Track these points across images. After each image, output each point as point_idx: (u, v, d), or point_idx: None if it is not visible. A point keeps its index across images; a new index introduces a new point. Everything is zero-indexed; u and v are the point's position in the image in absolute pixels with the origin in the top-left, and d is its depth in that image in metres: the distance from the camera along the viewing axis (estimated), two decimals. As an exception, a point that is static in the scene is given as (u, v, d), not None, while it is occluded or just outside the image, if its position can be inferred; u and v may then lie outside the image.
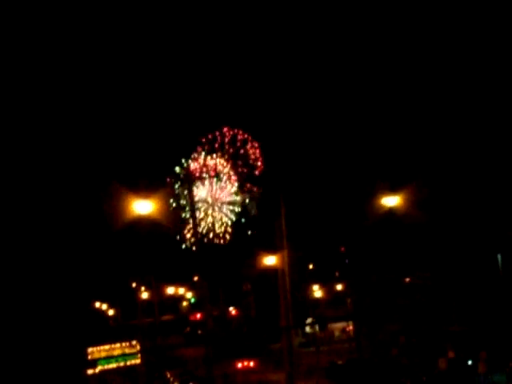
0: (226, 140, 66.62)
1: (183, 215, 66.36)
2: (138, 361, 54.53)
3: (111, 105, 55.91)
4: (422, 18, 48.52)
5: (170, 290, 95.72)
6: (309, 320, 71.91)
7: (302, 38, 51.55)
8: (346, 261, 69.89)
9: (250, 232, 65.31)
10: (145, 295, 75.11)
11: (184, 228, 66.00)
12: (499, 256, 53.31)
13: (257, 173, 64.94)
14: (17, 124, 51.80)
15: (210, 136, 64.81)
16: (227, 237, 66.65)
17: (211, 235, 66.07)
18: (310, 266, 76.42)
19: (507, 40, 45.57)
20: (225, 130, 65.07)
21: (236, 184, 65.87)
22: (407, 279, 63.05)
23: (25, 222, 52.36)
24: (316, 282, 74.72)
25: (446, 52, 49.53)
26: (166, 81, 57.52)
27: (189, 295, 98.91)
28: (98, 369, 52.96)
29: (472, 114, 49.13)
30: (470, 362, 44.01)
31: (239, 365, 62.58)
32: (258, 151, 65.90)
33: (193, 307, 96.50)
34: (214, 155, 65.95)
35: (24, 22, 48.49)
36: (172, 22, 55.61)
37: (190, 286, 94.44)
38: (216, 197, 66.74)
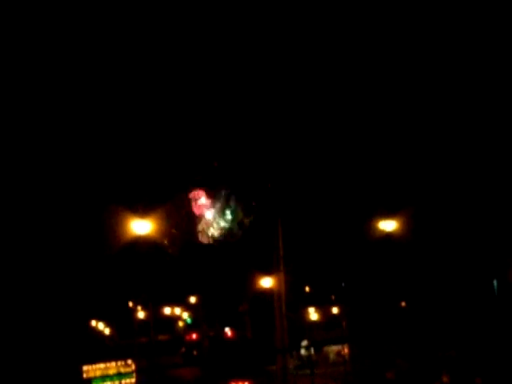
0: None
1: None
2: (133, 380, 54.55)
3: (110, 124, 56.13)
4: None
5: (167, 310, 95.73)
6: (304, 342, 71.97)
7: (301, 68, 51.70)
8: (342, 284, 70.04)
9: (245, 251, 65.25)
10: (141, 315, 75.13)
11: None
12: (495, 282, 53.50)
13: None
14: (14, 142, 52.07)
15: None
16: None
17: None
18: (307, 289, 76.52)
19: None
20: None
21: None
22: (403, 303, 63.21)
23: (23, 239, 52.53)
24: (312, 305, 74.86)
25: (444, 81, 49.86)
26: (167, 105, 57.55)
27: (185, 315, 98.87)
28: (93, 388, 53.08)
29: (469, 139, 49.45)
30: (464, 388, 44.21)
31: (234, 386, 62.61)
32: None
33: (189, 327, 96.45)
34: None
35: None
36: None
37: (186, 307, 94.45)
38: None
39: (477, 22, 46.52)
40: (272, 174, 56.12)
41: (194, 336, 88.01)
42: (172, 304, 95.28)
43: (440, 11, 47.59)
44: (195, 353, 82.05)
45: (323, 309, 77.13)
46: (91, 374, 53.16)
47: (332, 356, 76.29)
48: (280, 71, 52.28)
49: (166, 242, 61.98)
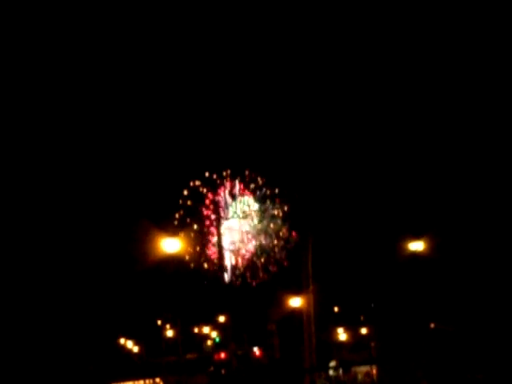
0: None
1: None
2: (161, 398, 54.87)
3: (143, 142, 56.47)
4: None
5: (195, 329, 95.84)
6: (332, 363, 71.77)
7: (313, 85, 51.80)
8: (372, 305, 69.86)
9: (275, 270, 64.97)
10: (170, 333, 75.41)
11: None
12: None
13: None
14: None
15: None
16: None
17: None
18: (336, 309, 76.40)
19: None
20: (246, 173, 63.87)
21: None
22: (432, 325, 62.86)
23: (55, 261, 52.93)
24: (341, 325, 74.72)
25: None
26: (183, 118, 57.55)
27: (213, 334, 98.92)
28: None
29: (495, 163, 49.39)
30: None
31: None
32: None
33: (217, 346, 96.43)
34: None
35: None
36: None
37: (215, 325, 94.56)
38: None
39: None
40: (303, 191, 56.19)
41: (223, 355, 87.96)
42: (201, 323, 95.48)
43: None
44: (223, 372, 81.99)
45: (352, 329, 76.94)
46: (120, 392, 53.56)
47: (360, 377, 75.98)
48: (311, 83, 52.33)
49: (195, 260, 61.98)
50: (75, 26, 50.85)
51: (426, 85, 50.88)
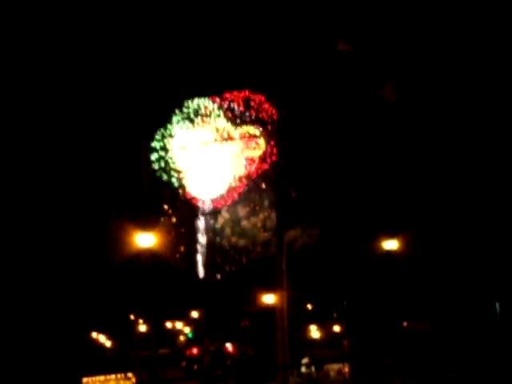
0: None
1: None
2: (132, 393, 54.59)
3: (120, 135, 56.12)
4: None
5: (168, 324, 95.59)
6: (305, 360, 71.78)
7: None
8: (344, 302, 70.00)
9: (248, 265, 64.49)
10: (143, 328, 75.18)
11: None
12: (497, 304, 53.43)
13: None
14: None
15: None
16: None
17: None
18: (309, 306, 76.45)
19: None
20: None
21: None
22: (405, 323, 63.04)
23: (24, 252, 52.52)
24: (314, 323, 74.80)
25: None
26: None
27: (186, 330, 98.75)
28: (92, 400, 53.05)
29: (471, 158, 49.51)
30: (464, 410, 44.04)
31: (233, 402, 62.47)
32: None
33: (190, 342, 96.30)
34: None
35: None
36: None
37: (188, 321, 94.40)
38: None
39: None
40: (278, 191, 55.89)
41: (195, 351, 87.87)
42: (174, 318, 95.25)
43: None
44: (196, 367, 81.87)
45: (325, 326, 77.05)
46: (91, 386, 53.22)
47: (333, 374, 75.97)
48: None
49: (170, 255, 61.66)
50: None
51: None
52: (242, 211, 58.15)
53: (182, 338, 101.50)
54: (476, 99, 48.36)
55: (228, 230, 60.71)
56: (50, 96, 52.97)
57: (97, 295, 64.63)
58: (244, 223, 58.55)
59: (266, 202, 58.00)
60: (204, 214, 62.10)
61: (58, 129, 53.55)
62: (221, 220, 60.67)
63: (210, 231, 63.22)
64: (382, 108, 50.99)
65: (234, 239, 60.97)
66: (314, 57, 50.93)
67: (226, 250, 61.77)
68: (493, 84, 47.16)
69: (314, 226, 56.58)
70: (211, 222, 62.23)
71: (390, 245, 46.72)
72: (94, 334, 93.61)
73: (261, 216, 59.05)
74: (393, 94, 49.26)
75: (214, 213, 60.26)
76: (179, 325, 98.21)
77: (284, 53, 51.68)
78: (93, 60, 54.68)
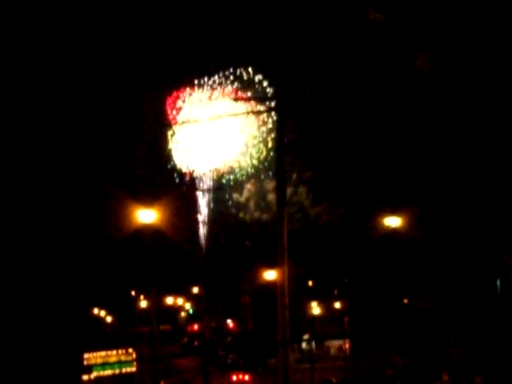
0: None
1: None
2: (133, 368, 54.72)
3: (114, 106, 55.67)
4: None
5: (169, 300, 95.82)
6: (306, 336, 71.99)
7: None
8: (346, 279, 69.99)
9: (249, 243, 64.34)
10: (143, 304, 75.23)
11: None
12: (498, 281, 53.40)
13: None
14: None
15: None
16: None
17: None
18: (310, 283, 76.49)
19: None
20: None
21: None
22: (405, 300, 63.14)
23: (24, 228, 52.30)
24: (315, 299, 74.84)
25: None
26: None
27: (187, 306, 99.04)
28: (94, 375, 53.18)
29: (474, 137, 49.28)
30: (464, 387, 44.18)
31: (234, 378, 62.76)
32: None
33: (191, 318, 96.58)
34: None
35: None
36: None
37: (189, 297, 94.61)
38: None
39: (477, 22, 46.28)
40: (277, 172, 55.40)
41: (196, 327, 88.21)
42: (175, 294, 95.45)
43: (441, 12, 47.33)
44: (196, 343, 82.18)
45: (326, 303, 77.14)
46: (92, 361, 53.37)
47: (333, 350, 76.35)
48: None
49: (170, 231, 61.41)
50: None
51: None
52: (268, 185, 57.66)
53: (183, 314, 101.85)
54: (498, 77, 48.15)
55: (252, 204, 60.44)
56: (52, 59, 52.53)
57: (97, 271, 64.54)
58: (270, 197, 57.98)
59: (294, 176, 57.64)
60: (207, 190, 61.83)
61: (57, 99, 53.20)
62: (245, 193, 60.28)
63: (211, 207, 63.06)
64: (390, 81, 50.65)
65: (256, 214, 60.67)
66: (342, 29, 50.31)
67: (229, 226, 61.60)
68: None
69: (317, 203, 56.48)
70: (211, 196, 61.95)
71: (392, 221, 46.55)
72: (96, 310, 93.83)
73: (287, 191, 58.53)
74: (427, 64, 48.75)
75: (218, 188, 60.01)
76: (180, 301, 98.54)
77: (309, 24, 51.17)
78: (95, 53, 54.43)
